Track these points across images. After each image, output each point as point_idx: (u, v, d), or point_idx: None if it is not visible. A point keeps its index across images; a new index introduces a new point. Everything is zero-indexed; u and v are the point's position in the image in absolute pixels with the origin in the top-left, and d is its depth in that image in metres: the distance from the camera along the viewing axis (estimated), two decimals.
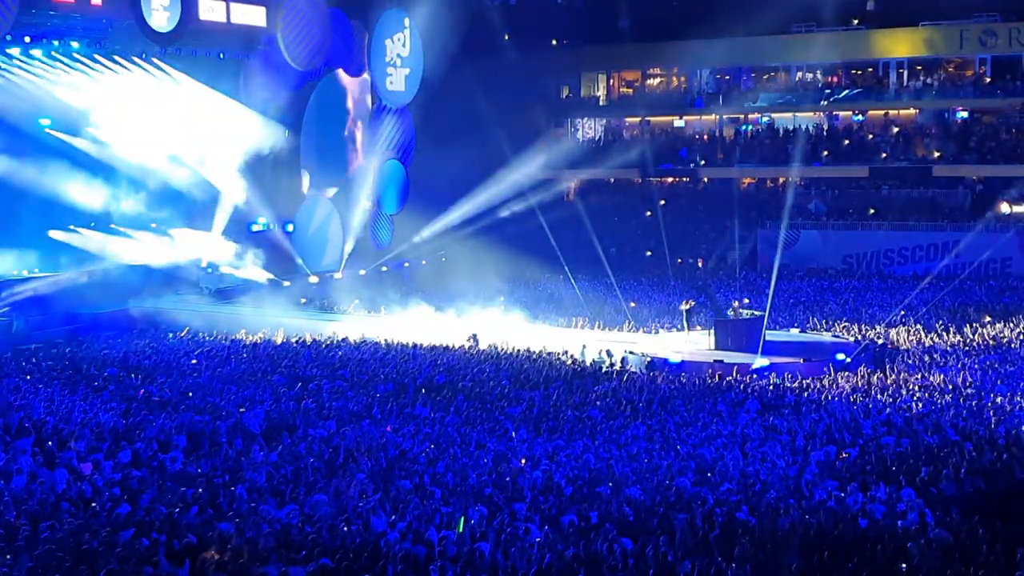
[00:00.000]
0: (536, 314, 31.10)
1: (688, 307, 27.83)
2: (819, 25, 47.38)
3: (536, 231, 38.64)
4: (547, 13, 52.09)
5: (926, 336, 27.56)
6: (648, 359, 24.68)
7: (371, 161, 41.35)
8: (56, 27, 31.21)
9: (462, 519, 12.54)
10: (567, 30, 52.94)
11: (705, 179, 50.47)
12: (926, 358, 24.75)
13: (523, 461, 16.18)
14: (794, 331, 28.79)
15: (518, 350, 25.59)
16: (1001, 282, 38.45)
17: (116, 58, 33.09)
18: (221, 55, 35.82)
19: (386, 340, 27.03)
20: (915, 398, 20.42)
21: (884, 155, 47.24)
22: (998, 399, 20.15)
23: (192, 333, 28.30)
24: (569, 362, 24.56)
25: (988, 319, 30.12)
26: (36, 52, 31.33)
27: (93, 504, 13.76)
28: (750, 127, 51.85)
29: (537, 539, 12.65)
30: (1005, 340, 27.03)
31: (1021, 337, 27.35)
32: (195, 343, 26.74)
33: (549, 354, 25.28)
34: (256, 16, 35.33)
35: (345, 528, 12.86)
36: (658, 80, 54.91)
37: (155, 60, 33.98)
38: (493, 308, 32.03)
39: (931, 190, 45.43)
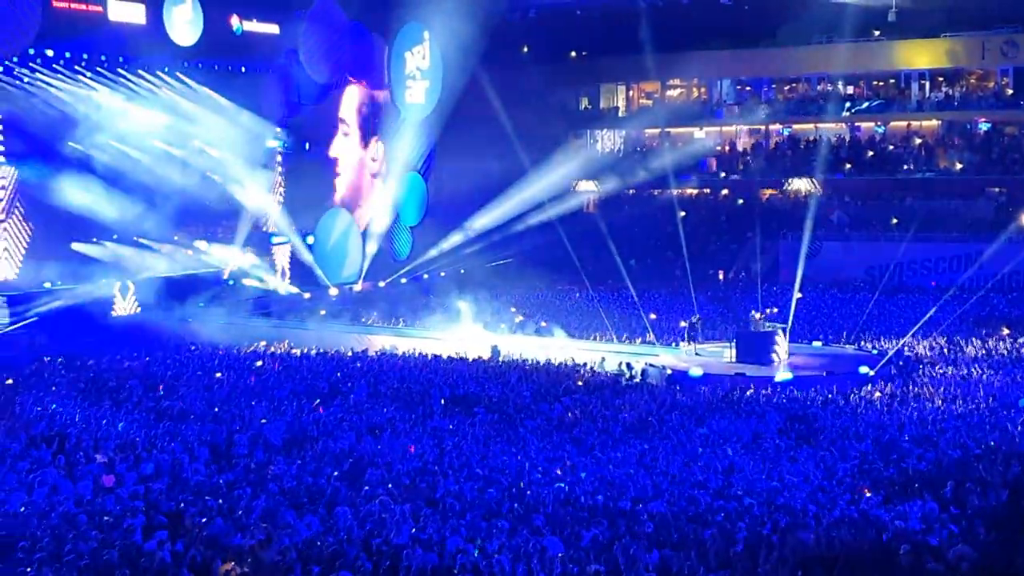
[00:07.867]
0: (556, 326, 31.03)
1: (689, 324, 28.01)
2: (840, 36, 47.21)
3: (556, 243, 38.60)
4: (566, 25, 52.11)
5: (949, 348, 27.36)
6: (668, 372, 24.60)
7: (391, 174, 41.53)
8: (79, 40, 31.49)
9: (476, 550, 12.47)
10: (586, 42, 52.93)
11: (726, 190, 50.39)
12: (949, 370, 24.56)
13: (542, 473, 16.13)
14: (817, 344, 28.61)
15: (538, 362, 25.56)
16: None
17: (140, 72, 33.37)
18: (243, 68, 36.07)
19: (406, 352, 27.05)
20: (939, 411, 20.25)
21: (906, 166, 47.03)
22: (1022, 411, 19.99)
23: (214, 345, 28.38)
24: (589, 374, 24.49)
25: (1008, 331, 29.83)
26: (59, 65, 31.62)
27: (108, 517, 13.77)
28: (771, 138, 51.73)
29: (559, 553, 12.58)
30: None
31: None
32: (217, 355, 26.81)
33: (569, 366, 25.23)
34: (270, 30, 35.68)
35: (366, 540, 12.84)
36: (678, 91, 54.83)
37: (178, 74, 34.25)
38: (512, 320, 31.98)
39: (954, 201, 45.13)
